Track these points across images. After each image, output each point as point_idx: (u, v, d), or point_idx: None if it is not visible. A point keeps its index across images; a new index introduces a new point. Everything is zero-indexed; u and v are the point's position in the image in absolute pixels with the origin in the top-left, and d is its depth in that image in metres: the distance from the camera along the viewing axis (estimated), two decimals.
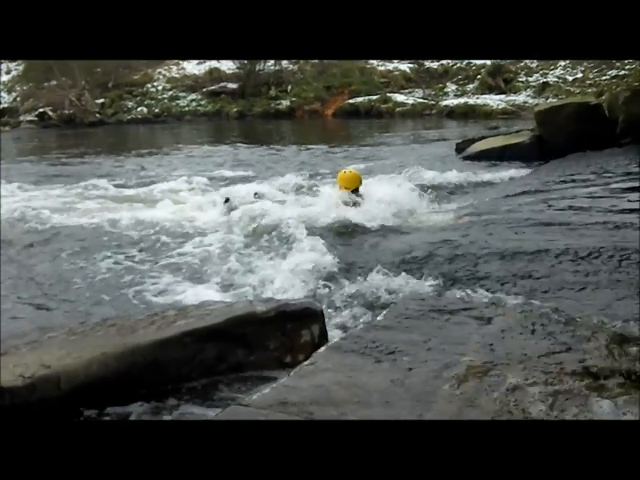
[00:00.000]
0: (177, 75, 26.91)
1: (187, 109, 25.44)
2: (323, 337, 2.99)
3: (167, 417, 2.54)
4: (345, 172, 7.14)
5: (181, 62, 26.82)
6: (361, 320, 3.70)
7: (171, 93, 26.34)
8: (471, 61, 23.48)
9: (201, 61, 25.86)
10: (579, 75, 21.39)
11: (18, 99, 26.54)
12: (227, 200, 7.17)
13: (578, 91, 19.78)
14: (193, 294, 4.49)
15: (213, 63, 26.37)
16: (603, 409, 1.90)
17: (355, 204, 6.60)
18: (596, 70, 20.95)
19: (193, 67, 26.83)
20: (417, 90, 24.09)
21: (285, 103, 24.45)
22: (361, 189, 6.89)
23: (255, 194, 7.60)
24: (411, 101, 22.90)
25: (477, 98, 21.98)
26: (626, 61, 19.20)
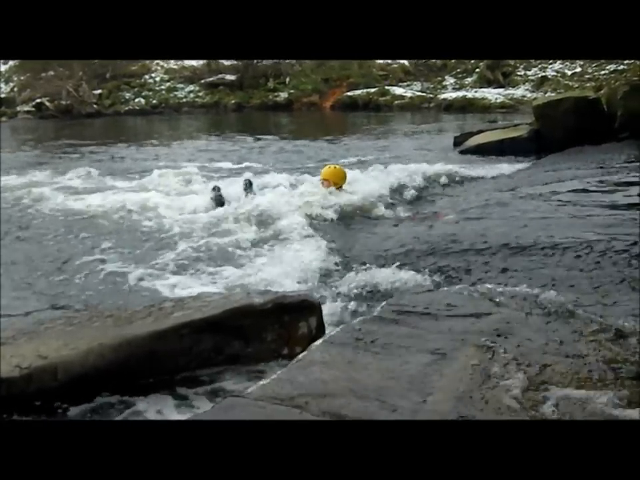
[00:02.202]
0: (175, 67, 26.76)
1: (184, 100, 25.32)
2: (320, 330, 2.99)
3: (162, 409, 2.55)
4: (329, 167, 7.09)
5: None
6: (358, 313, 3.69)
7: (168, 84, 26.22)
8: None
9: None
10: (578, 69, 21.33)
11: (15, 89, 26.38)
12: (216, 188, 6.99)
13: (577, 85, 19.73)
14: (186, 285, 4.49)
15: None
16: (604, 405, 1.90)
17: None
18: (595, 64, 20.87)
19: None
20: (415, 83, 24.03)
21: (283, 95, 24.35)
22: (345, 187, 6.86)
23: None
24: (409, 94, 22.84)
25: (476, 91, 21.92)
26: None
